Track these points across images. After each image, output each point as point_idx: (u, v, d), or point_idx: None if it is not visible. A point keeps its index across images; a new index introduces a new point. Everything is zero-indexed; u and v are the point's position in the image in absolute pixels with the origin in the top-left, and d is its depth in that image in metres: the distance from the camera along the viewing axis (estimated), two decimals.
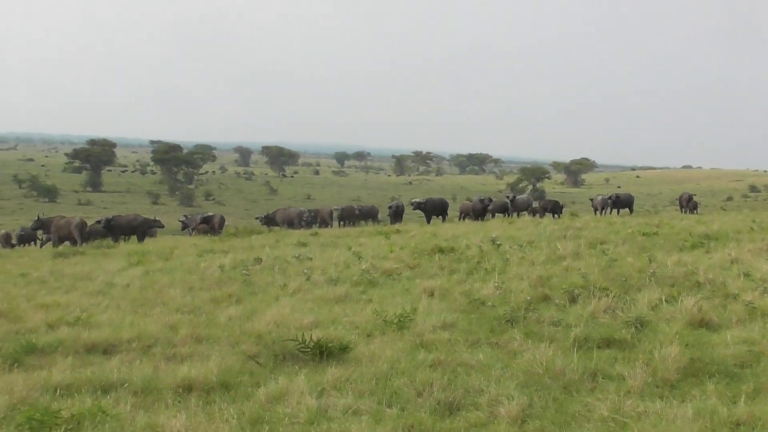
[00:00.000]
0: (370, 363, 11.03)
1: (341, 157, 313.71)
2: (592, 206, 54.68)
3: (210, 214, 48.78)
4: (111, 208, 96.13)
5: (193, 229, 46.57)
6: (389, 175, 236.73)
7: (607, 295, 14.38)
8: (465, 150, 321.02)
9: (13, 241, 48.34)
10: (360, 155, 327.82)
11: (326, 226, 47.99)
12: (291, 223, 46.70)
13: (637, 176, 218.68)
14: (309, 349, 11.48)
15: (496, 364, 10.83)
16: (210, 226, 45.70)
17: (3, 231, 50.50)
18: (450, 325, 13.41)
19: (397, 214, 48.20)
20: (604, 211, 51.71)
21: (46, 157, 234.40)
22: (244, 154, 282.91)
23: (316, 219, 49.55)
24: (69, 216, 42.23)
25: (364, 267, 19.68)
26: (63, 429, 8.76)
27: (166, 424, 8.80)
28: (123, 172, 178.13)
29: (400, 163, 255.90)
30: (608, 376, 10.20)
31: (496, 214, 49.63)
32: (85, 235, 38.14)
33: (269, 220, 48.97)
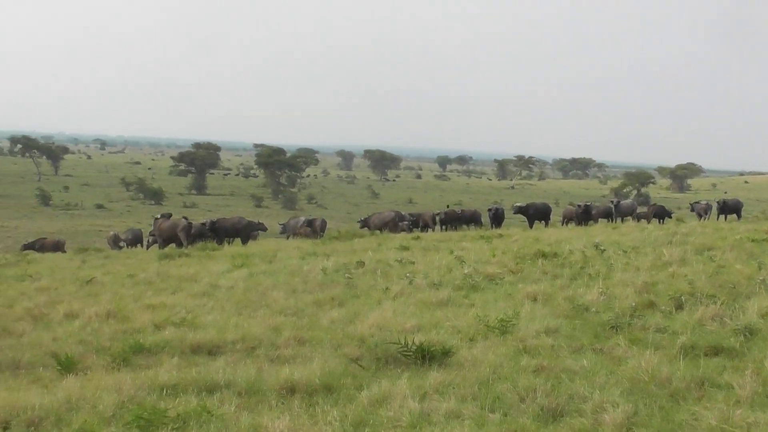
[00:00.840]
0: (473, 367, 10.99)
1: (443, 161, 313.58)
2: (694, 212, 53.61)
3: (301, 218, 49.23)
4: (215, 210, 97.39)
5: (293, 234, 46.86)
6: (489, 179, 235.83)
7: (715, 303, 14.08)
8: (568, 154, 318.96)
9: (121, 243, 49.24)
10: (462, 159, 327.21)
11: (428, 230, 48.00)
12: (386, 227, 46.81)
13: (746, 181, 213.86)
14: (411, 353, 11.50)
15: (600, 371, 10.69)
16: (312, 229, 46.01)
17: (111, 232, 51.50)
18: (553, 330, 13.29)
19: (496, 218, 47.95)
20: (707, 217, 50.70)
21: (153, 160, 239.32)
22: (346, 157, 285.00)
23: (418, 223, 49.56)
24: (175, 218, 42.93)
25: (466, 271, 19.61)
26: (169, 428, 8.92)
27: (269, 426, 8.88)
28: (225, 175, 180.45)
29: (502, 167, 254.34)
30: (716, 385, 9.97)
31: (600, 219, 49.13)
32: (190, 237, 38.72)
33: (365, 224, 49.26)
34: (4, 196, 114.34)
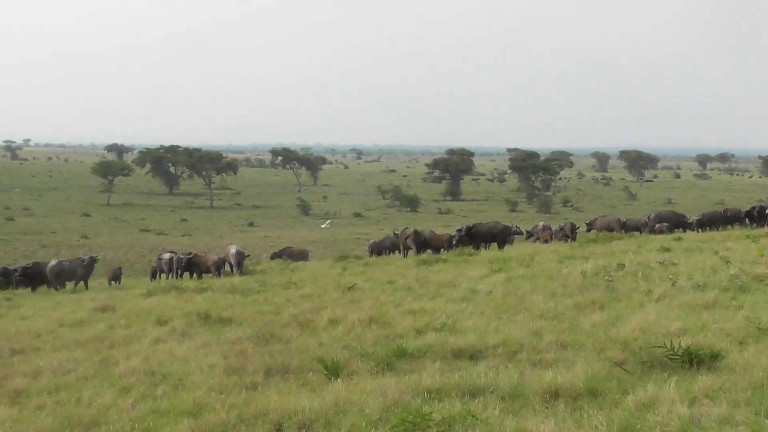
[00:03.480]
0: (744, 372, 10.56)
1: (703, 160, 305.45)
2: None
3: (540, 223, 49.49)
4: (470, 216, 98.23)
5: (536, 239, 46.87)
6: (750, 176, 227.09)
7: None
8: None
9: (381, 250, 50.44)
10: (723, 157, 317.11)
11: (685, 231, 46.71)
12: (610, 230, 46.18)
13: None
14: (678, 357, 11.19)
15: None
16: (563, 233, 45.89)
17: (372, 240, 52.78)
18: None
19: (761, 217, 46.10)
20: None
21: (408, 167, 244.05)
22: (601, 159, 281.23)
23: (678, 225, 48.38)
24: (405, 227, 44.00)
25: (732, 272, 18.88)
26: (435, 431, 8.99)
27: (534, 430, 8.85)
28: (474, 180, 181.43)
29: (767, 163, 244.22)
30: None
31: None
32: (418, 244, 39.23)
33: (591, 227, 49.07)
34: (267, 207, 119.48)
